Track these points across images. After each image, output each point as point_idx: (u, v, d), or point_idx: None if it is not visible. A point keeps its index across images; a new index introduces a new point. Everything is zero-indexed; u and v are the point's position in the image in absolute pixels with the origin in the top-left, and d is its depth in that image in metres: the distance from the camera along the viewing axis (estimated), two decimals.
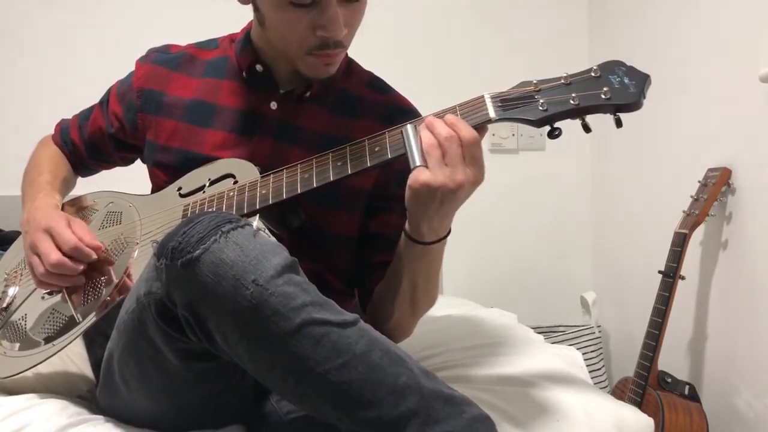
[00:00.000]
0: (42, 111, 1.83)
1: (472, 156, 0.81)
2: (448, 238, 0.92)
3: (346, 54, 1.11)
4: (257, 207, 0.91)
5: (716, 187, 1.51)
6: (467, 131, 0.82)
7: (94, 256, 0.94)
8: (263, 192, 0.92)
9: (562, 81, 0.84)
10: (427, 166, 0.81)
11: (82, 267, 0.93)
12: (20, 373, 0.93)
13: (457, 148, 0.81)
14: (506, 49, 2.17)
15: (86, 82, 1.49)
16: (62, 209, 1.07)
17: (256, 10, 0.99)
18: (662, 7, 1.82)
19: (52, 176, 1.12)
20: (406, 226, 0.90)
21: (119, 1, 1.98)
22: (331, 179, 0.89)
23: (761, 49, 1.44)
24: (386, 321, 1.01)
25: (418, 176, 0.81)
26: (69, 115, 1.25)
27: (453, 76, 2.11)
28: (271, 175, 0.93)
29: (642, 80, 0.82)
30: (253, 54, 1.05)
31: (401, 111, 1.07)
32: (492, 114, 0.84)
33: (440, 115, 0.86)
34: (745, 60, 1.49)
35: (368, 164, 0.87)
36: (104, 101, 1.17)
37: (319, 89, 1.05)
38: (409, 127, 0.86)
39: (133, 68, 1.15)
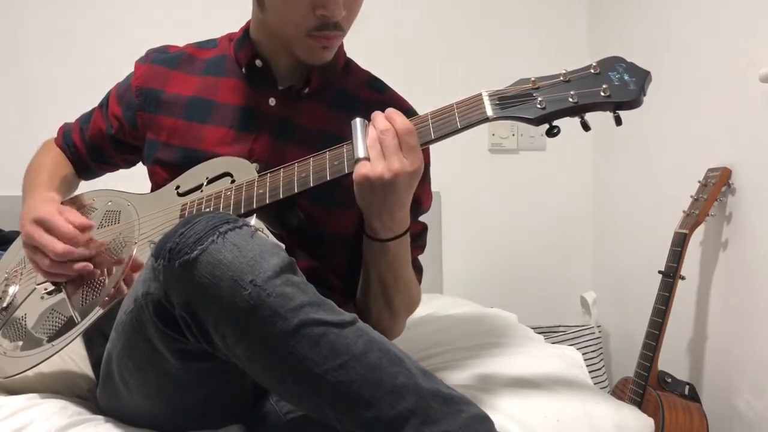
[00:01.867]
0: (42, 111, 1.84)
1: (407, 145, 0.84)
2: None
3: (344, 53, 1.11)
4: (254, 206, 0.91)
5: (716, 187, 1.51)
6: (401, 122, 0.85)
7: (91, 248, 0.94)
8: (260, 191, 0.92)
9: (561, 78, 0.83)
10: (368, 159, 0.84)
11: (89, 251, 0.94)
12: (20, 373, 0.93)
13: (392, 140, 0.84)
14: (506, 48, 2.16)
15: (86, 83, 1.49)
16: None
17: None
18: (662, 7, 1.81)
19: (50, 176, 1.13)
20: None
21: (120, 3, 1.98)
22: (328, 179, 0.89)
23: (761, 49, 1.44)
24: (366, 320, 1.02)
25: (359, 169, 0.84)
26: (69, 116, 1.25)
27: (452, 75, 2.10)
28: (268, 175, 0.93)
29: (642, 77, 0.81)
30: (252, 49, 1.05)
31: (399, 110, 1.07)
32: (489, 113, 0.84)
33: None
34: (745, 60, 1.49)
35: None
36: (104, 103, 1.18)
37: (318, 86, 1.05)
38: (358, 121, 0.88)
39: (132, 70, 1.15)
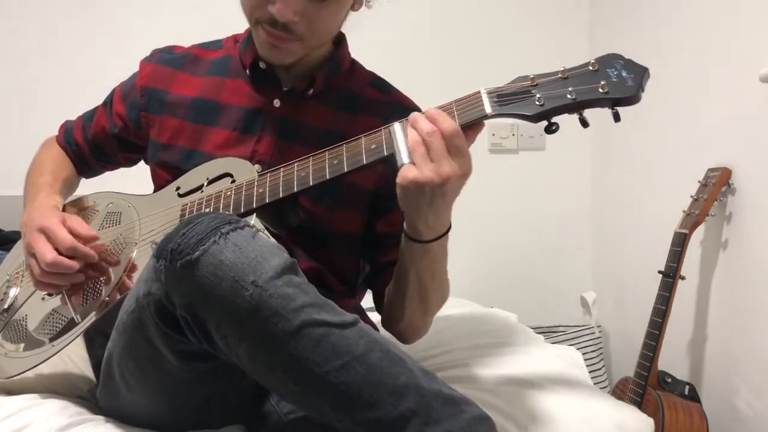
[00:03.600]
0: (43, 111, 1.83)
1: (455, 148, 0.81)
2: (450, 235, 0.91)
3: (349, 54, 1.11)
4: (254, 206, 0.91)
5: (716, 187, 1.51)
6: (448, 124, 0.81)
7: (94, 256, 0.94)
8: (260, 191, 0.92)
9: (560, 75, 0.84)
10: (413, 163, 0.81)
11: (78, 265, 0.93)
12: (20, 374, 0.93)
13: (439, 142, 0.80)
14: (507, 48, 2.16)
15: (88, 83, 1.49)
16: (63, 210, 1.07)
17: None
18: (662, 7, 1.82)
19: (53, 177, 1.12)
20: (404, 226, 0.90)
21: (122, 3, 1.97)
22: (327, 177, 0.88)
23: (761, 49, 1.44)
24: (398, 322, 1.01)
25: (405, 174, 0.81)
26: (69, 116, 1.25)
27: (453, 75, 2.10)
28: (268, 174, 0.93)
29: (640, 73, 0.81)
30: (256, 51, 1.05)
31: (404, 110, 1.06)
32: (488, 110, 0.84)
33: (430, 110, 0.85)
34: (745, 60, 1.49)
35: (365, 161, 0.87)
36: (108, 102, 1.18)
37: (323, 86, 1.06)
38: (397, 126, 0.85)
39: (136, 69, 1.15)
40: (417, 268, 0.93)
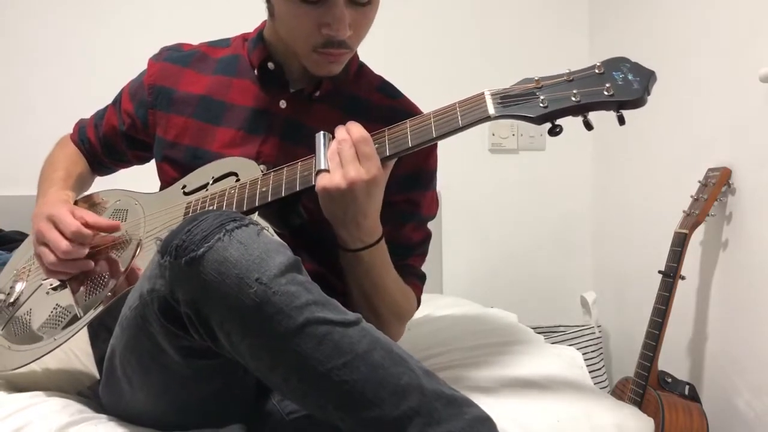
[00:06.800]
0: (41, 113, 1.84)
1: (363, 154, 0.86)
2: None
3: (357, 57, 1.11)
4: (257, 204, 0.92)
5: (716, 187, 1.52)
6: (357, 132, 0.87)
7: (91, 235, 0.95)
8: (263, 189, 0.92)
9: (565, 78, 0.84)
10: (328, 171, 0.86)
11: (86, 249, 0.95)
12: (24, 365, 0.93)
13: (349, 149, 0.86)
14: (507, 48, 2.16)
15: (89, 83, 1.50)
16: (75, 204, 1.07)
17: (267, 0, 1.00)
18: (662, 7, 1.82)
19: (66, 173, 1.14)
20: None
21: (118, 4, 1.97)
22: None
23: (761, 49, 1.44)
24: None
25: (319, 181, 0.86)
26: (68, 116, 1.27)
27: (454, 76, 2.10)
28: (272, 173, 0.94)
29: (646, 77, 0.81)
30: (266, 52, 1.05)
31: (410, 116, 1.07)
32: (491, 111, 0.84)
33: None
34: (745, 60, 1.49)
35: None
36: (117, 100, 1.19)
37: (330, 89, 1.06)
38: (321, 134, 0.90)
39: (142, 68, 1.15)
40: (356, 279, 0.97)
